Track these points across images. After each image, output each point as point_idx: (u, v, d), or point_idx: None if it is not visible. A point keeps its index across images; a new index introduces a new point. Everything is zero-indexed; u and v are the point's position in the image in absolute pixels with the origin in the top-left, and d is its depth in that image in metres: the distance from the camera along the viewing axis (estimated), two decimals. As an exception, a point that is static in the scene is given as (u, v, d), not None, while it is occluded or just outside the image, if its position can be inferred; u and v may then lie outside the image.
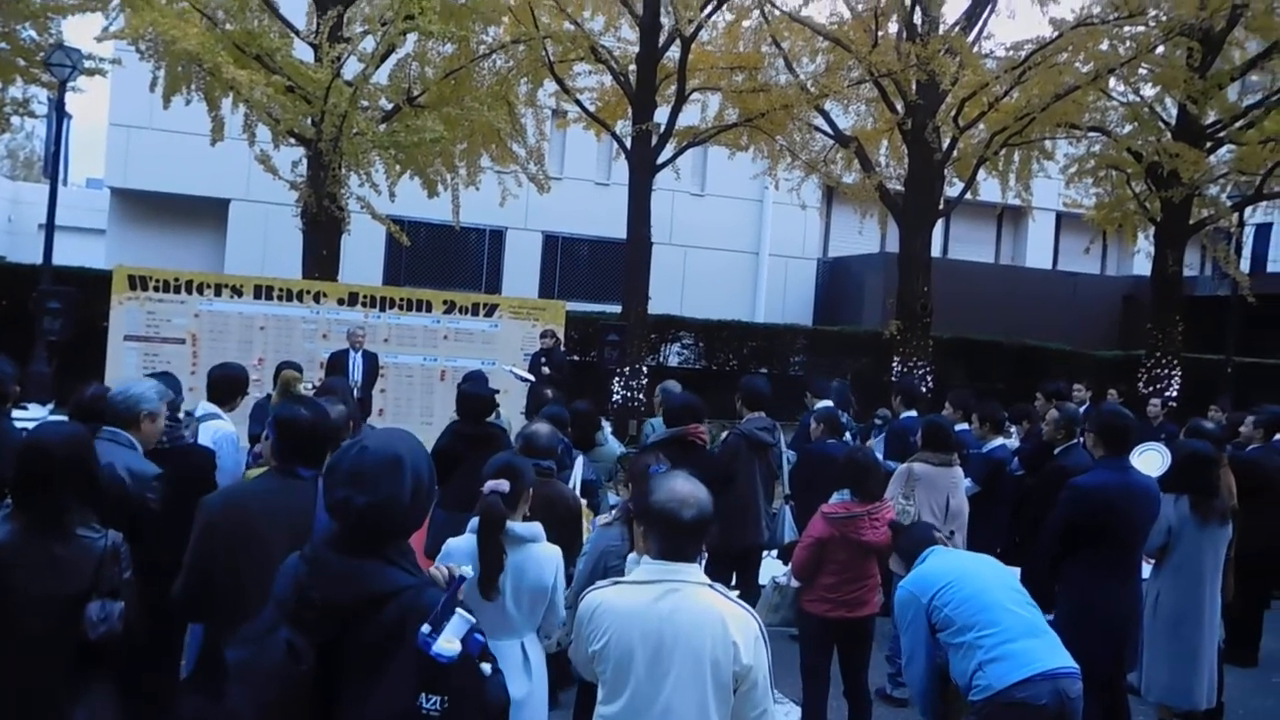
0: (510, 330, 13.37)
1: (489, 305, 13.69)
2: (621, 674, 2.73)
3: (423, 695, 2.05)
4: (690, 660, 2.66)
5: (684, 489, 2.75)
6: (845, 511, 4.95)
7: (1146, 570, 5.55)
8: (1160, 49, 15.40)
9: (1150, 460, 6.58)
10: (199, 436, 5.18)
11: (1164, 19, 14.65)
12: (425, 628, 2.05)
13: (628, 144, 15.13)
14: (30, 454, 3.12)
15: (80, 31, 46.97)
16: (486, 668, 2.19)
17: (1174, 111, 16.67)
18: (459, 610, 2.11)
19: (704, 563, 5.59)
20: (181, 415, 5.04)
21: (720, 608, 2.71)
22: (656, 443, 6.06)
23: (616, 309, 16.47)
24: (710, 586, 2.75)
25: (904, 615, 4.04)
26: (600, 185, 22.63)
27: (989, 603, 3.86)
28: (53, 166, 14.68)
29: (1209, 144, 16.44)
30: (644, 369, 15.44)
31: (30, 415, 5.49)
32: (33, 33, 13.37)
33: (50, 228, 14.26)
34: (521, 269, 22.82)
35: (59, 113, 14.55)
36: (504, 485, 3.49)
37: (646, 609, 2.71)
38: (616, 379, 14.95)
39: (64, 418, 4.16)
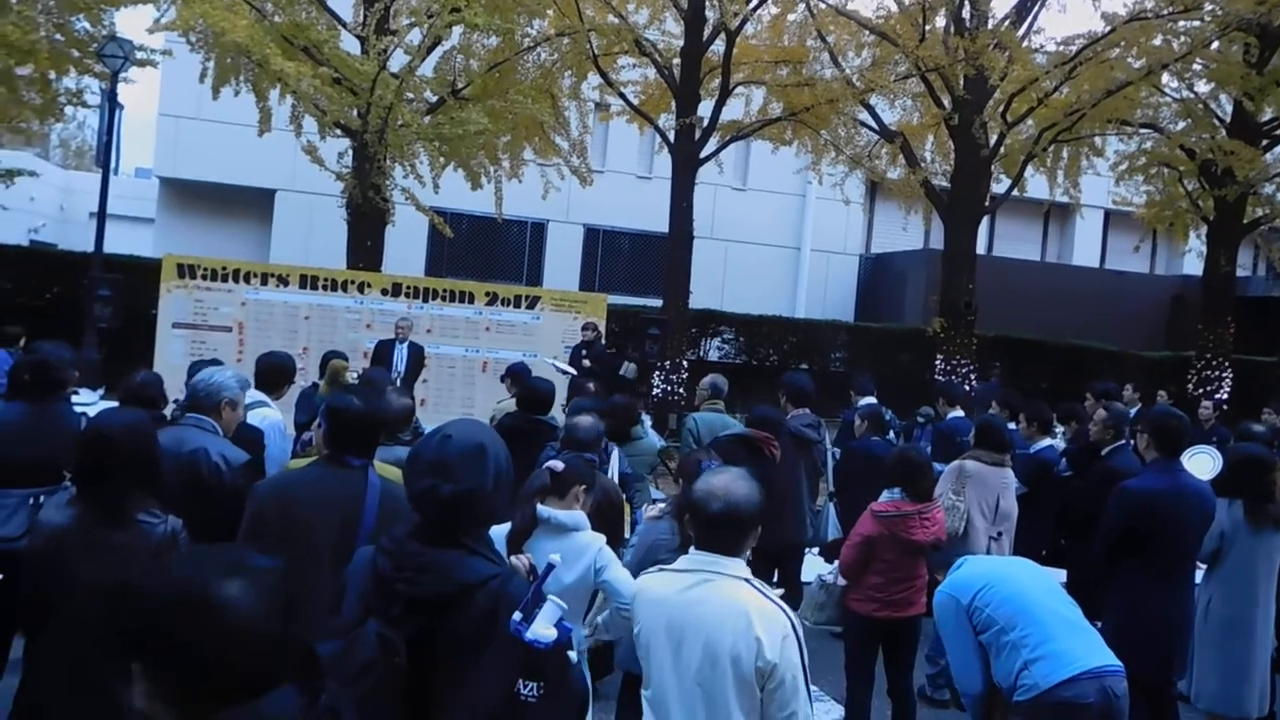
0: (551, 322, 13.40)
1: (531, 297, 13.73)
2: (650, 658, 2.78)
3: (520, 681, 2.07)
4: (710, 651, 2.65)
5: (718, 483, 2.75)
6: (895, 510, 4.91)
7: (1199, 576, 5.45)
8: (1216, 44, 15.11)
9: (1201, 463, 6.45)
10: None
11: (1220, 13, 14.35)
12: (516, 615, 2.07)
13: (671, 137, 15.10)
14: (92, 441, 3.15)
15: (132, 23, 47.71)
16: (574, 656, 2.21)
17: (1229, 108, 16.37)
18: (550, 597, 2.12)
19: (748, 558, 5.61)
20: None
21: (748, 602, 2.66)
22: (729, 437, 6.00)
23: (657, 303, 16.46)
24: (747, 581, 2.71)
25: (945, 619, 4.00)
26: (642, 179, 22.61)
27: (1029, 602, 3.83)
28: (104, 156, 14.91)
29: (1265, 141, 16.13)
30: (684, 363, 15.42)
31: (83, 400, 5.59)
32: (86, 24, 13.54)
33: (101, 216, 14.48)
34: (563, 262, 22.87)
35: (111, 103, 14.77)
36: (558, 465, 3.59)
37: (674, 596, 2.74)
38: (657, 373, 14.95)
39: (115, 403, 4.22)
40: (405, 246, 18.55)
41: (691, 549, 2.80)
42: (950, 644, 4.03)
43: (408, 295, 13.11)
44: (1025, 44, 15.22)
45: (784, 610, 2.70)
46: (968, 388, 14.93)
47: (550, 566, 2.35)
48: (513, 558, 2.95)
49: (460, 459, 2.22)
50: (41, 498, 3.74)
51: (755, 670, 2.62)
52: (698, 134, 14.85)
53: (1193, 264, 20.77)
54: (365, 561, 2.30)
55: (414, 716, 2.14)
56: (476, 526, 2.26)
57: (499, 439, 2.36)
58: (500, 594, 2.15)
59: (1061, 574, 6.28)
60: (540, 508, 3.54)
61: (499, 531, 3.51)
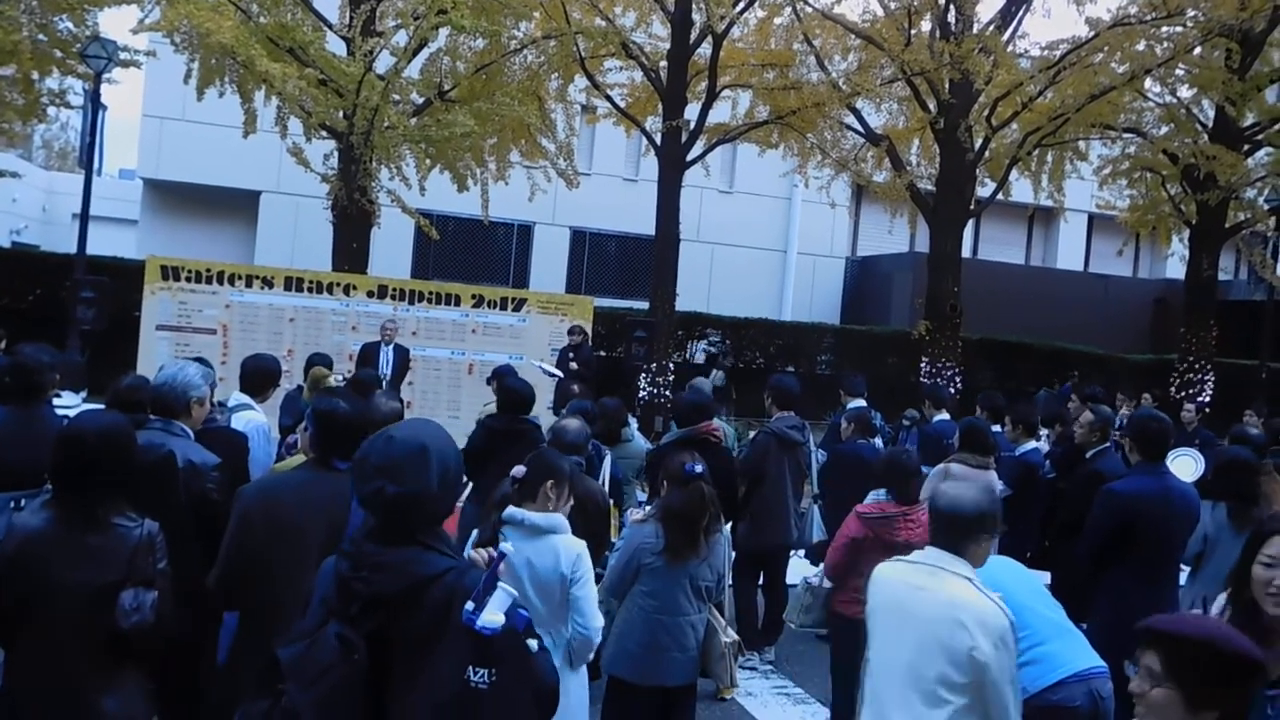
0: (538, 325, 13.38)
1: (517, 300, 13.71)
2: (875, 633, 3.13)
3: (470, 668, 2.07)
4: (925, 638, 2.94)
5: (949, 485, 3.11)
6: (880, 512, 4.91)
7: (1183, 578, 5.48)
8: (1198, 50, 15.22)
9: (1183, 466, 6.48)
10: (232, 426, 5.19)
11: (1202, 19, 14.45)
12: (469, 605, 2.08)
13: (657, 140, 15.11)
14: (67, 443, 3.11)
15: (116, 24, 47.46)
16: (533, 644, 2.21)
17: (1211, 113, 16.49)
18: (501, 585, 2.13)
19: (732, 560, 5.60)
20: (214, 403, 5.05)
21: (968, 600, 2.93)
22: (671, 442, 5.98)
23: (644, 305, 16.46)
24: (969, 580, 2.97)
25: None
26: (629, 181, 22.62)
27: (1015, 606, 3.80)
28: (88, 157, 14.80)
29: (1247, 146, 16.25)
30: (670, 365, 15.42)
31: (66, 403, 5.53)
32: (70, 24, 13.44)
33: (85, 218, 14.37)
34: (549, 264, 22.86)
35: (94, 104, 14.66)
36: (519, 470, 3.60)
37: (904, 584, 3.06)
38: (643, 375, 14.94)
39: (100, 406, 4.18)
40: (391, 249, 18.51)
41: (927, 544, 3.11)
42: None
43: (393, 298, 13.07)
44: (1010, 49, 15.30)
45: (1004, 612, 2.96)
46: (953, 390, 14.99)
47: (502, 554, 2.37)
48: (472, 551, 2.96)
49: (402, 460, 2.23)
50: (23, 501, 3.69)
51: (968, 660, 2.89)
52: (684, 137, 14.86)
53: (1175, 268, 20.91)
54: (329, 570, 2.32)
55: (375, 713, 2.15)
56: (428, 524, 2.27)
57: (446, 437, 2.36)
58: (455, 586, 2.16)
59: (1046, 576, 6.30)
60: (511, 510, 3.51)
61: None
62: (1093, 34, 14.45)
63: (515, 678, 2.13)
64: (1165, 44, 15.00)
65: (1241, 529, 5.35)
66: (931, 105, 15.46)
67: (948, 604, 2.92)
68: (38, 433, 4.22)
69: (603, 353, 16.31)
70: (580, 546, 3.54)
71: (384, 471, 2.22)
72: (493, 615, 2.07)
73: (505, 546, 2.50)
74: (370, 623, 2.16)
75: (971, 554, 3.04)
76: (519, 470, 3.57)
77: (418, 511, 2.24)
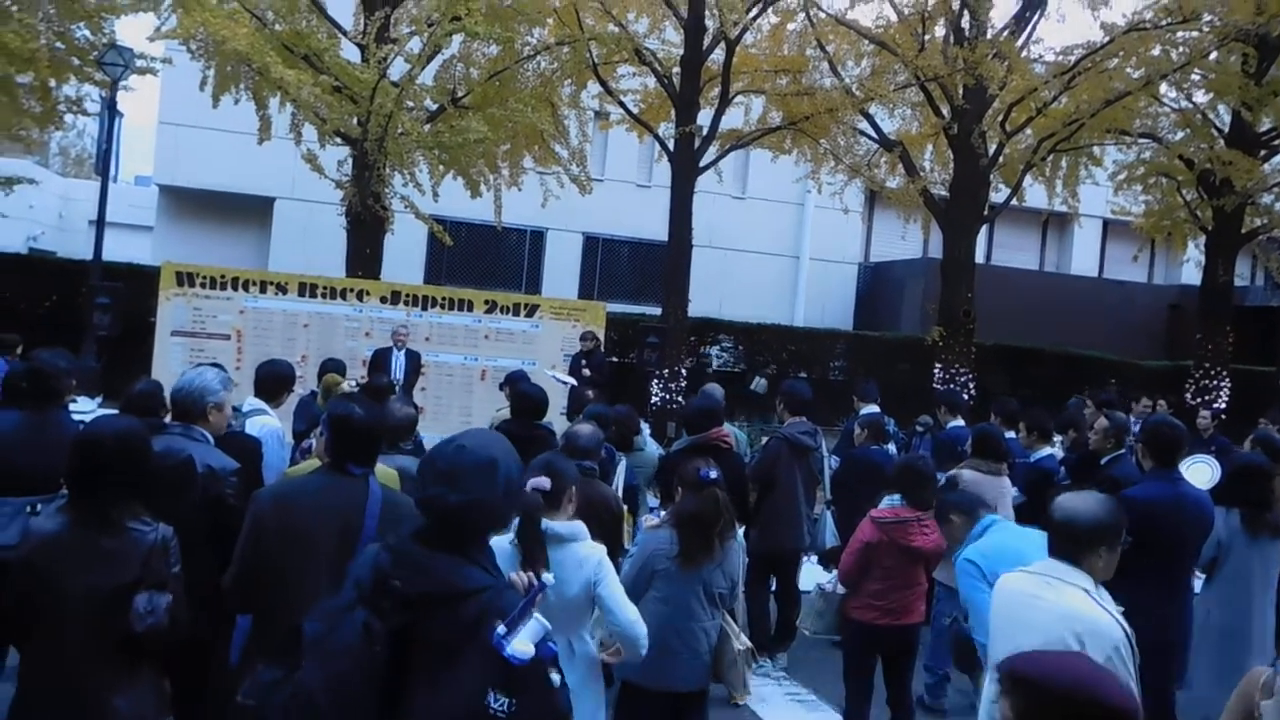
0: (551, 331, 13.39)
1: (530, 305, 13.72)
2: (995, 639, 3.16)
3: (492, 694, 2.08)
4: (1040, 646, 2.89)
5: (1067, 496, 3.19)
6: (895, 516, 4.90)
7: (1198, 585, 5.45)
8: (1214, 55, 15.14)
9: (1199, 472, 6.44)
10: (246, 431, 5.22)
11: (1218, 24, 14.37)
12: (501, 628, 2.09)
13: (670, 146, 15.11)
14: (83, 447, 3.14)
15: (133, 31, 47.91)
16: (556, 678, 2.21)
17: (1227, 118, 16.39)
18: (535, 615, 2.14)
19: (745, 566, 5.60)
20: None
21: (1081, 610, 2.95)
22: (682, 449, 5.96)
23: (656, 311, 16.46)
24: (1086, 591, 2.98)
25: (968, 579, 3.95)
26: (641, 187, 22.63)
27: None
28: (104, 164, 14.92)
29: (1263, 151, 16.16)
30: (683, 371, 15.42)
31: (81, 409, 5.59)
32: (87, 32, 13.53)
33: (100, 224, 14.48)
34: (562, 270, 22.87)
35: (111, 111, 14.78)
36: (545, 483, 3.47)
37: (1022, 592, 3.10)
38: (655, 381, 14.93)
39: (114, 411, 4.21)
40: (404, 254, 18.57)
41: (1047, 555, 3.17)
42: (976, 598, 3.95)
43: (406, 303, 13.10)
44: (1024, 54, 15.25)
45: (1119, 623, 2.96)
46: (966, 396, 14.94)
47: (543, 585, 2.38)
48: (512, 574, 2.94)
49: (470, 470, 2.26)
50: (39, 506, 3.72)
51: None
52: (697, 142, 14.85)
53: (1191, 273, 20.82)
54: (370, 556, 2.34)
55: (385, 709, 2.17)
56: (480, 536, 2.30)
57: (513, 451, 2.39)
58: (489, 605, 2.17)
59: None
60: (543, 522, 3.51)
61: (499, 542, 3.48)
62: (1108, 39, 14.38)
63: (535, 710, 2.13)
64: (1181, 49, 14.93)
65: (1255, 535, 5.34)
66: (945, 110, 15.42)
67: (1062, 615, 2.95)
68: (51, 437, 4.26)
69: (615, 359, 16.31)
70: (600, 551, 3.56)
71: (447, 477, 2.25)
72: (524, 645, 2.08)
73: (547, 578, 2.51)
74: (398, 620, 2.18)
75: (1090, 565, 3.03)
76: (543, 483, 3.47)
77: (474, 523, 2.27)
